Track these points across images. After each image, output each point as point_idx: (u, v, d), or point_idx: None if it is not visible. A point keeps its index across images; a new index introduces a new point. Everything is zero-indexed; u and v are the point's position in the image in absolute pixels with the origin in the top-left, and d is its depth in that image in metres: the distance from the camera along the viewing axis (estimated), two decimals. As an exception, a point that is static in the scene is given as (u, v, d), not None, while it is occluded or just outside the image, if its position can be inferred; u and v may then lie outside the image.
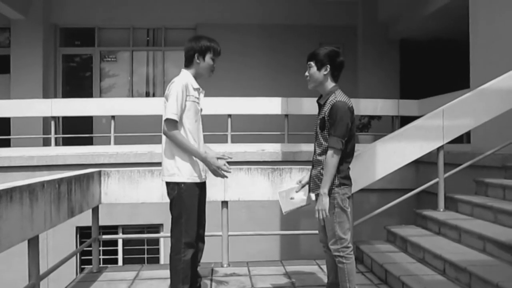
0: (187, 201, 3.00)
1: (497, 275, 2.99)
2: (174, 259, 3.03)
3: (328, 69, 2.93)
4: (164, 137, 3.04)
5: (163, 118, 2.97)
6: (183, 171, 2.99)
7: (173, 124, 2.94)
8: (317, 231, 3.26)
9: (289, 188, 3.18)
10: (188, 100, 3.01)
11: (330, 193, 2.90)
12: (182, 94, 2.96)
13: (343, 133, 2.83)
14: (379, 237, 4.96)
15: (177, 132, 2.96)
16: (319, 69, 2.94)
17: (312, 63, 2.96)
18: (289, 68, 10.44)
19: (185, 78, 3.06)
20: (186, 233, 3.01)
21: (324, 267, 3.64)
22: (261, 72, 11.00)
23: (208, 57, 3.08)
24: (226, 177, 3.10)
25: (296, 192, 3.13)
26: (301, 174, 3.93)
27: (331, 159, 2.83)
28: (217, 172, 3.01)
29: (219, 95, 7.78)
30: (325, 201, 2.85)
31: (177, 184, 3.00)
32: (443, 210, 4.69)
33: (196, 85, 3.10)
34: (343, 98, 2.90)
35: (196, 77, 3.13)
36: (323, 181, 2.87)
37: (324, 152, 2.94)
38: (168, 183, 3.05)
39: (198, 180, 3.05)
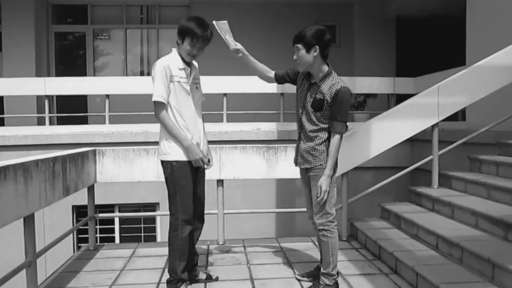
0: (180, 180, 3.02)
1: (489, 250, 3.03)
2: (172, 236, 3.08)
3: (318, 50, 2.89)
4: None
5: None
6: (175, 150, 3.01)
7: (160, 106, 2.95)
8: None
9: (229, 34, 3.18)
10: (173, 80, 2.97)
11: (317, 169, 2.96)
12: (163, 75, 2.94)
13: (347, 118, 2.95)
14: (373, 214, 5.01)
15: (165, 115, 2.96)
16: (308, 51, 2.89)
17: (300, 46, 2.90)
18: (284, 46, 10.19)
19: (167, 59, 3.02)
20: (182, 210, 3.04)
21: (319, 244, 3.69)
22: (256, 50, 10.69)
23: (186, 42, 2.97)
24: (205, 167, 3.12)
25: (230, 38, 3.16)
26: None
27: (338, 144, 2.93)
28: (198, 161, 3.00)
29: (214, 74, 7.71)
30: (328, 183, 2.92)
31: (170, 162, 3.03)
32: (437, 187, 4.73)
33: (182, 65, 3.02)
34: (344, 83, 2.92)
35: (184, 57, 3.04)
36: (329, 164, 2.92)
37: (317, 131, 2.96)
38: (162, 162, 3.08)
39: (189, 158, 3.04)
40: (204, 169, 3.21)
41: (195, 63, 3.20)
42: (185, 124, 3.02)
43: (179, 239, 3.05)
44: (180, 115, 3.01)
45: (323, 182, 2.91)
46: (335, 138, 2.92)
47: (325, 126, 2.94)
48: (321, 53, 2.91)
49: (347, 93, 2.89)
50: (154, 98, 2.94)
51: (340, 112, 2.89)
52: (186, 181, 3.03)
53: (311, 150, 2.97)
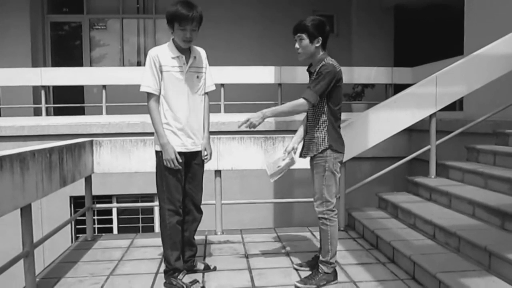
0: (165, 170, 3.00)
1: (486, 239, 3.05)
2: (161, 226, 3.11)
3: (320, 41, 2.97)
4: None
5: None
6: None
7: (149, 96, 2.96)
8: (309, 199, 3.30)
9: (276, 159, 3.20)
10: (162, 70, 2.94)
11: (322, 155, 2.98)
12: (151, 66, 2.93)
13: (322, 90, 2.88)
14: (371, 204, 5.02)
15: (153, 107, 2.96)
16: (311, 41, 2.96)
17: (304, 36, 2.95)
18: (282, 36, 10.23)
19: (157, 49, 2.99)
20: (168, 200, 3.03)
21: (317, 234, 3.69)
22: (253, 41, 10.83)
23: (176, 27, 2.92)
24: (174, 167, 3.00)
25: (283, 160, 3.16)
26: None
27: (296, 104, 2.89)
28: (169, 161, 2.95)
29: (212, 64, 7.66)
30: (258, 119, 2.91)
31: (158, 152, 3.03)
32: (435, 177, 4.74)
33: (175, 54, 2.97)
34: (333, 62, 2.95)
35: (179, 44, 2.98)
36: (271, 109, 2.94)
37: (314, 115, 3.02)
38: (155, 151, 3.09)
39: (177, 149, 3.00)
40: (202, 160, 3.20)
41: (199, 50, 3.15)
42: (172, 115, 2.98)
43: (168, 228, 3.05)
44: (168, 105, 2.98)
45: (254, 115, 2.90)
46: (297, 100, 2.88)
47: (319, 107, 2.96)
48: (322, 44, 2.99)
49: (329, 66, 2.89)
50: (140, 89, 2.96)
51: (316, 82, 2.88)
52: (172, 171, 3.00)
53: (313, 139, 3.02)
